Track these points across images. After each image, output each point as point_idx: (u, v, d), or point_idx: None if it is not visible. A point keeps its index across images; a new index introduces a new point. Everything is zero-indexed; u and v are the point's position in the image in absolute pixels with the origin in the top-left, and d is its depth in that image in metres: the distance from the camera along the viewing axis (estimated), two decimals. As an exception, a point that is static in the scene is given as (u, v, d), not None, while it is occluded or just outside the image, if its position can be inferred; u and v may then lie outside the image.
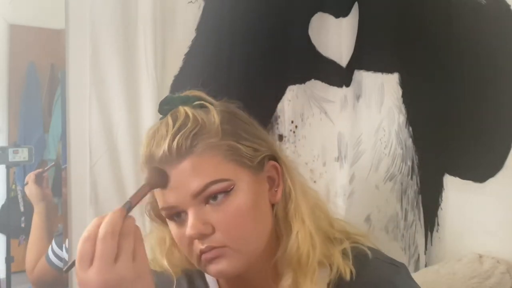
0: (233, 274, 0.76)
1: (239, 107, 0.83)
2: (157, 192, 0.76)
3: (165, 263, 0.83)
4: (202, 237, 0.73)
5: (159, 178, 0.73)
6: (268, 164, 0.79)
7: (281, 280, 0.78)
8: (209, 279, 0.87)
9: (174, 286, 0.83)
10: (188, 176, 0.72)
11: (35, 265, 1.36)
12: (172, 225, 0.77)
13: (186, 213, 0.74)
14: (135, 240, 0.66)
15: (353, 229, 0.86)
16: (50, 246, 1.35)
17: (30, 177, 1.35)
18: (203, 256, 0.74)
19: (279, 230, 0.80)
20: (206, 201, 0.73)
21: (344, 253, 0.79)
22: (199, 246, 0.74)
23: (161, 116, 0.80)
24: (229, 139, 0.75)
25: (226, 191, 0.73)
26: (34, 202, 1.35)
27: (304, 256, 0.76)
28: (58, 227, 1.33)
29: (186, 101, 0.78)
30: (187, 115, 0.75)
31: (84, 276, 0.63)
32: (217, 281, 0.86)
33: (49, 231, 1.36)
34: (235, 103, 0.83)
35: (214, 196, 0.73)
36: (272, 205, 0.80)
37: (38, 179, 1.35)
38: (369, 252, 0.79)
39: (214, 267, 0.74)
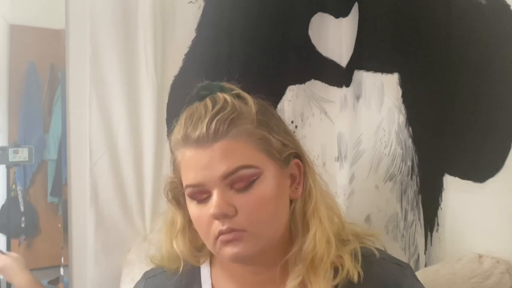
0: (247, 259, 0.78)
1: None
2: (185, 169, 0.78)
3: (170, 245, 0.85)
4: (224, 217, 0.75)
5: None
6: (293, 162, 0.82)
7: (289, 279, 0.80)
8: (204, 280, 0.87)
9: (173, 280, 0.85)
10: (221, 158, 0.75)
11: None
12: (192, 205, 0.79)
13: (209, 194, 0.77)
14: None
15: (363, 230, 0.89)
16: None
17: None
18: (221, 238, 0.76)
19: (295, 227, 0.82)
20: (232, 185, 0.76)
21: (353, 255, 0.81)
22: (219, 226, 0.76)
23: (195, 101, 0.82)
24: (263, 129, 0.78)
25: (253, 179, 0.76)
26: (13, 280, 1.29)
27: (319, 255, 0.78)
28: (58, 226, 1.33)
29: (224, 89, 0.82)
30: (226, 100, 0.79)
31: None
32: (212, 284, 0.87)
33: None
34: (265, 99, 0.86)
35: (240, 181, 0.76)
36: (290, 202, 0.82)
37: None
38: (376, 253, 0.82)
39: (230, 250, 0.77)
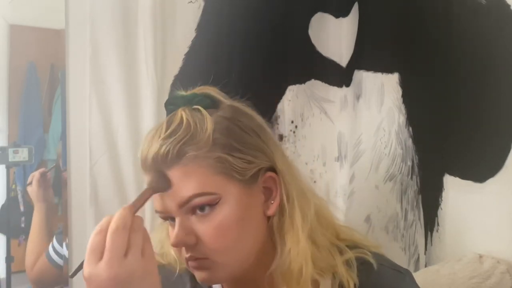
0: (218, 283, 0.77)
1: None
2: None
3: (172, 254, 0.83)
4: (185, 246, 0.73)
5: (162, 182, 0.72)
6: (265, 176, 0.76)
7: None
8: None
9: (175, 278, 0.83)
10: (174, 186, 0.71)
11: (35, 263, 1.36)
12: (167, 225, 0.78)
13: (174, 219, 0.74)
14: (144, 238, 0.65)
15: (361, 239, 0.84)
16: (51, 243, 1.35)
17: (35, 176, 1.35)
18: (189, 263, 0.74)
19: (275, 242, 0.78)
20: (193, 211, 0.72)
21: (348, 263, 0.78)
22: (184, 253, 0.74)
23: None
24: (219, 150, 0.72)
25: (212, 204, 0.72)
26: (35, 202, 1.35)
27: (295, 272, 0.74)
28: (58, 226, 1.33)
29: (190, 101, 0.76)
30: (181, 120, 0.73)
31: (93, 270, 0.62)
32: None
33: (48, 230, 1.36)
34: (246, 103, 0.81)
35: (201, 207, 0.72)
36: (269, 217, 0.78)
37: (42, 179, 1.35)
38: (373, 261, 0.78)
39: (198, 275, 0.75)
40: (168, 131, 0.72)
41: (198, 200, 0.71)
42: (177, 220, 0.73)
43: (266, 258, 0.77)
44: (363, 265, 0.78)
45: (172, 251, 0.82)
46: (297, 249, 0.75)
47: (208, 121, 0.73)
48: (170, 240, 0.74)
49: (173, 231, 0.73)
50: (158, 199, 0.74)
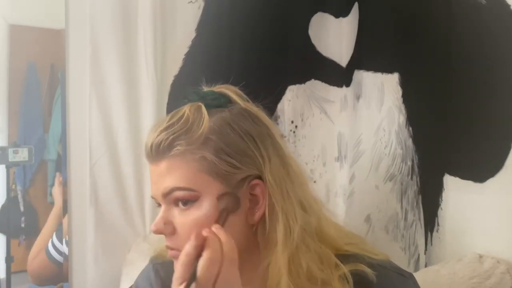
0: None
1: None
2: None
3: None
4: (162, 234, 0.76)
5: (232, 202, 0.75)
6: (252, 183, 0.75)
7: None
8: None
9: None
10: (161, 176, 0.75)
11: (37, 255, 1.36)
12: None
13: None
14: None
15: (367, 248, 0.82)
16: (50, 240, 1.35)
17: (57, 178, 1.37)
18: (169, 252, 0.77)
19: (259, 251, 0.77)
20: (176, 203, 0.74)
21: (343, 278, 0.76)
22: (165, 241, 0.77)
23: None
24: (207, 150, 0.74)
25: (192, 200, 0.73)
26: (57, 201, 1.37)
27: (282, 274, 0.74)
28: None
29: (204, 97, 0.78)
30: (182, 115, 0.76)
31: None
32: None
33: (59, 222, 1.38)
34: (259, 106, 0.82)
35: (184, 202, 0.74)
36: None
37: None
38: (371, 274, 0.76)
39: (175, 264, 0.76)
40: (168, 123, 0.75)
41: (178, 194, 0.74)
42: (162, 208, 0.76)
43: (256, 258, 0.77)
44: (363, 278, 0.76)
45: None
46: (276, 265, 0.74)
47: (205, 120, 0.75)
48: (151, 225, 0.77)
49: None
50: (151, 185, 0.77)
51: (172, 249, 0.75)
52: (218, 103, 0.78)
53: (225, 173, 0.74)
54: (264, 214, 0.76)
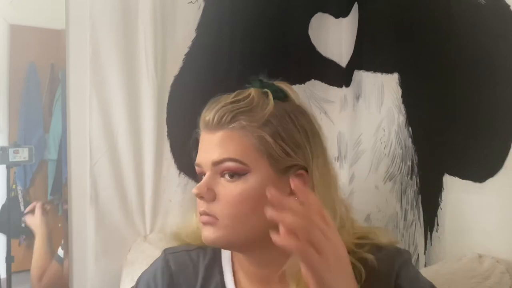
0: (222, 246, 0.83)
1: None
2: (198, 147, 0.83)
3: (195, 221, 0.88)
4: (202, 199, 0.79)
5: None
6: (297, 172, 0.81)
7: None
8: (225, 262, 0.89)
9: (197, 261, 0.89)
10: (216, 145, 0.79)
11: (42, 276, 1.35)
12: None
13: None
14: None
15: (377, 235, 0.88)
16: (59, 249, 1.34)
17: (37, 206, 1.36)
18: (200, 217, 0.80)
19: None
20: (222, 174, 0.79)
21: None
22: (199, 207, 0.80)
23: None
24: (266, 132, 0.79)
25: (240, 174, 0.78)
26: (37, 230, 1.36)
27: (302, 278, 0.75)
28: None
29: (268, 87, 0.84)
30: (248, 95, 0.82)
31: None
32: (234, 276, 0.87)
33: (51, 248, 1.36)
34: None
35: (230, 174, 0.78)
36: None
37: (44, 212, 1.36)
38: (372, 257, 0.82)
39: (204, 231, 0.80)
40: (233, 99, 0.82)
41: (229, 164, 0.78)
42: (207, 174, 0.80)
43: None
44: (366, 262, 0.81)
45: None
46: None
47: (270, 104, 0.81)
48: (194, 188, 0.80)
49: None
50: (201, 152, 0.82)
51: (207, 214, 0.79)
52: (278, 95, 0.83)
53: (277, 156, 0.79)
54: None
